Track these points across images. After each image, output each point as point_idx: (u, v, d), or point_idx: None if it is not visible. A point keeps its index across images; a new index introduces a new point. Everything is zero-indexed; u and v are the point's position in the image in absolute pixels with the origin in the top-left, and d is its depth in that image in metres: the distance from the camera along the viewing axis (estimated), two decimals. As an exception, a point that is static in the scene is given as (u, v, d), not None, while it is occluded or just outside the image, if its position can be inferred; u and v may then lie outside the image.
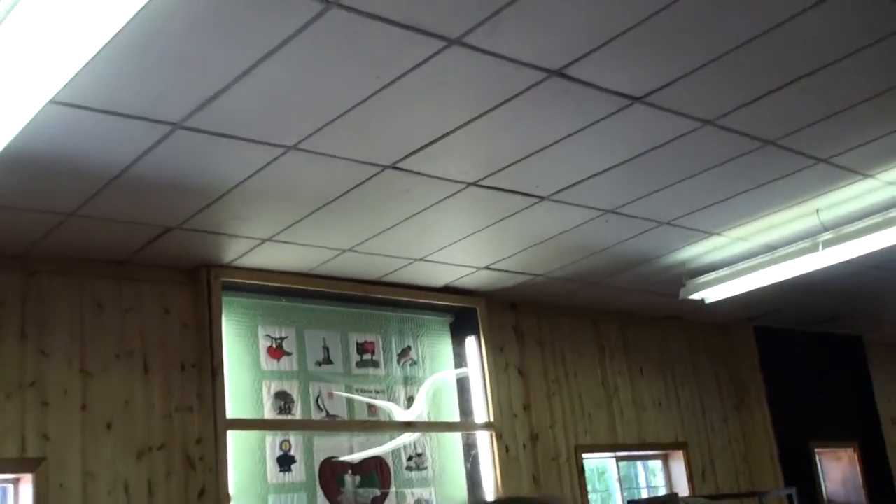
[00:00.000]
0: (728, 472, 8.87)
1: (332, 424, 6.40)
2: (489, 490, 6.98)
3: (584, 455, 7.79)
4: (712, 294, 7.12)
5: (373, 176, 4.95)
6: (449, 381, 7.18)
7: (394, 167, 4.91)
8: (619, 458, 8.29)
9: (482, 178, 5.21)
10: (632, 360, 8.46)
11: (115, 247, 5.51)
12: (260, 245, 5.75)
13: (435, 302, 7.15)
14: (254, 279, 6.17)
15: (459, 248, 6.25)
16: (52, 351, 5.38)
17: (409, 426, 6.73)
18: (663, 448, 8.50)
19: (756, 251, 6.82)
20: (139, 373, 5.66)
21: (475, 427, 7.10)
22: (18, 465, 5.13)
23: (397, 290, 6.87)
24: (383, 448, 6.63)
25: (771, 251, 6.73)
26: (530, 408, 7.54)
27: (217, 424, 5.74)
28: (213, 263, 5.96)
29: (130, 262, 5.74)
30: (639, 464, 8.66)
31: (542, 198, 5.56)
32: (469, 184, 5.23)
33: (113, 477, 5.38)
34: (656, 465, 8.66)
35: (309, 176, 4.86)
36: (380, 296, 6.83)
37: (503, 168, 5.12)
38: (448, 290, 7.14)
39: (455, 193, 5.31)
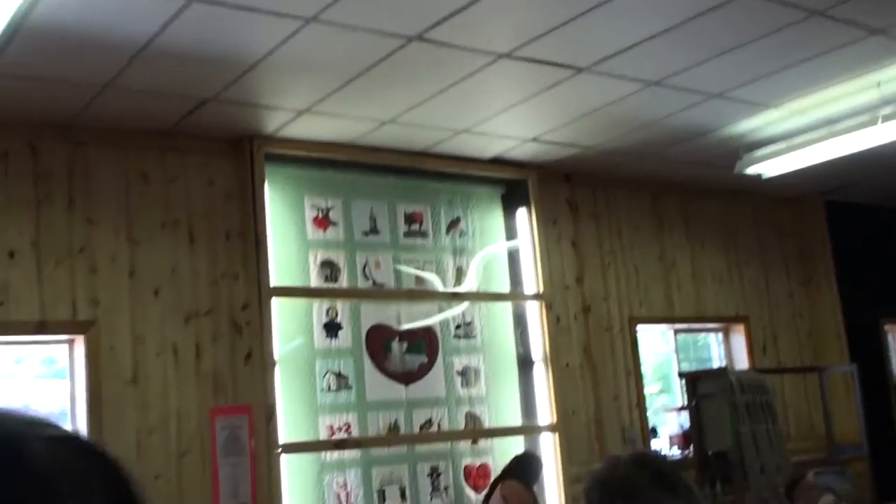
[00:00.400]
0: (791, 347, 8.77)
1: (378, 293, 6.54)
2: (538, 358, 7.08)
3: (639, 326, 7.79)
4: (769, 168, 6.90)
5: (399, 48, 4.89)
6: (500, 252, 7.21)
7: (420, 38, 4.83)
8: (677, 331, 8.26)
9: (515, 49, 5.09)
10: (692, 234, 8.32)
11: (155, 118, 5.62)
12: (298, 116, 5.78)
13: (485, 174, 7.13)
14: (298, 150, 6.24)
15: (501, 121, 6.17)
16: (99, 219, 5.59)
17: (456, 296, 6.83)
18: (723, 321, 8.42)
19: (815, 125, 6.55)
20: (184, 241, 5.85)
21: (525, 297, 7.15)
22: (71, 327, 5.42)
23: (445, 162, 6.85)
24: (432, 318, 6.75)
25: (830, 125, 6.44)
26: (583, 280, 7.53)
27: (262, 292, 5.92)
28: (256, 134, 6.04)
29: (174, 132, 5.86)
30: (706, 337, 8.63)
31: (579, 69, 5.42)
32: (500, 55, 5.12)
33: (161, 340, 5.65)
34: (716, 338, 8.61)
35: (332, 49, 4.83)
36: (428, 167, 6.83)
37: (537, 38, 4.99)
38: (498, 161, 7.09)
39: (487, 66, 5.21)
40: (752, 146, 6.89)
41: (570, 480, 6.96)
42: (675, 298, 8.08)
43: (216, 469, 5.66)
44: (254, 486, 5.73)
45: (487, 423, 6.86)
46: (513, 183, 7.30)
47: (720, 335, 8.60)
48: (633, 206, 8.00)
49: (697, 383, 7.13)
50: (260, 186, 6.05)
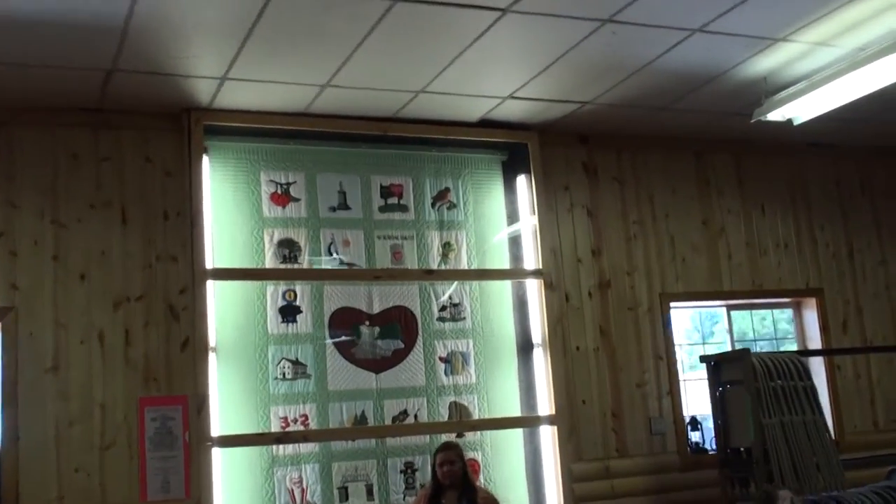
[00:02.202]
0: (880, 324, 7.51)
1: (333, 273, 6.01)
2: (538, 342, 6.35)
3: (673, 304, 6.86)
4: (798, 111, 5.81)
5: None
6: (498, 225, 6.50)
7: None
8: (731, 307, 7.24)
9: (408, -9, 4.44)
10: (749, 196, 7.26)
11: (79, 94, 5.34)
12: (223, 84, 5.36)
13: (477, 138, 6.43)
14: (243, 122, 5.81)
15: (457, 77, 5.49)
16: (22, 202, 5.40)
17: (434, 273, 6.20)
18: (789, 295, 7.31)
19: (845, 56, 5.46)
20: (117, 223, 5.56)
21: (521, 274, 6.42)
22: (-14, 313, 5.26)
23: (425, 127, 6.23)
24: (409, 300, 6.18)
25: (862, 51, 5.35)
26: (601, 252, 6.70)
27: (195, 274, 5.55)
28: (192, 106, 5.66)
29: (106, 109, 5.58)
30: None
31: (503, 10, 4.68)
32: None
33: (86, 326, 5.39)
34: (785, 315, 7.50)
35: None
36: (408, 134, 6.23)
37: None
38: (491, 124, 6.38)
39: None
40: (774, 90, 5.83)
41: (575, 478, 6.20)
42: (723, 270, 7.07)
43: (144, 462, 5.35)
44: (187, 481, 5.39)
45: (478, 414, 6.20)
46: (516, 148, 6.57)
47: (790, 311, 7.47)
48: (671, 168, 7.05)
49: (721, 368, 6.15)
50: (197, 162, 5.67)
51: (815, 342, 7.28)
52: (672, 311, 6.86)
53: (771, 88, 5.86)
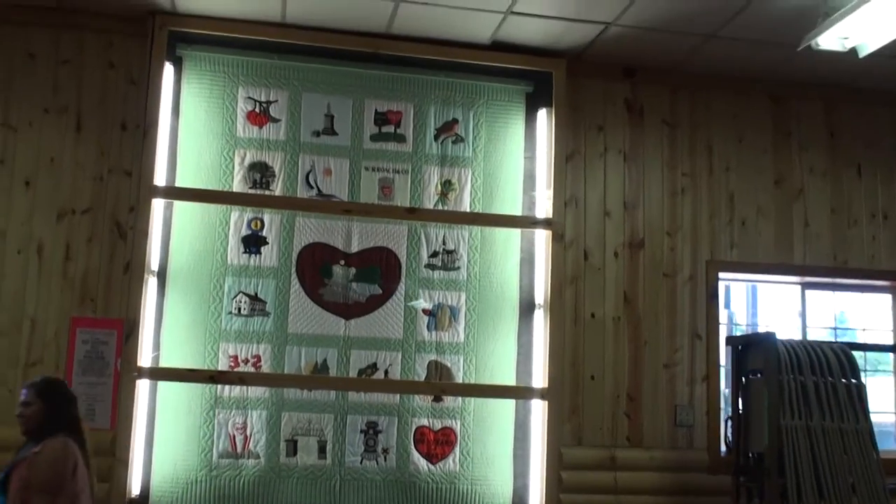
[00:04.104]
0: None
1: (290, 202, 5.37)
2: (540, 303, 5.49)
3: (722, 274, 5.76)
4: (863, 35, 4.58)
5: None
6: (514, 166, 5.66)
7: None
8: (807, 286, 6.02)
9: None
10: (841, 153, 6.00)
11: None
12: (177, -18, 4.85)
13: (497, 64, 5.60)
14: (213, 29, 5.29)
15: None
16: (-29, 103, 5.15)
17: (412, 213, 5.45)
18: (881, 277, 5.99)
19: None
20: (71, 130, 5.20)
21: (524, 223, 5.55)
22: (-77, 215, 5.04)
23: (422, 47, 5.49)
24: (395, 239, 5.48)
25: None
26: (636, 206, 5.71)
27: (141, 190, 5.11)
28: (158, 10, 5.19)
29: (69, 9, 5.21)
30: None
31: None
32: None
33: (26, 236, 5.08)
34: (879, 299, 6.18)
35: None
36: (414, 54, 5.51)
37: None
38: (503, 47, 5.54)
39: None
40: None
41: (569, 465, 5.33)
42: (796, 241, 5.88)
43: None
44: (114, 411, 4.99)
45: (463, 378, 5.43)
46: (543, 78, 5.68)
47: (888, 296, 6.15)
48: (741, 113, 5.92)
49: (748, 353, 5.06)
50: (158, 70, 5.21)
51: (916, 336, 5.96)
52: (721, 283, 5.78)
53: (832, 7, 4.66)
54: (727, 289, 7.11)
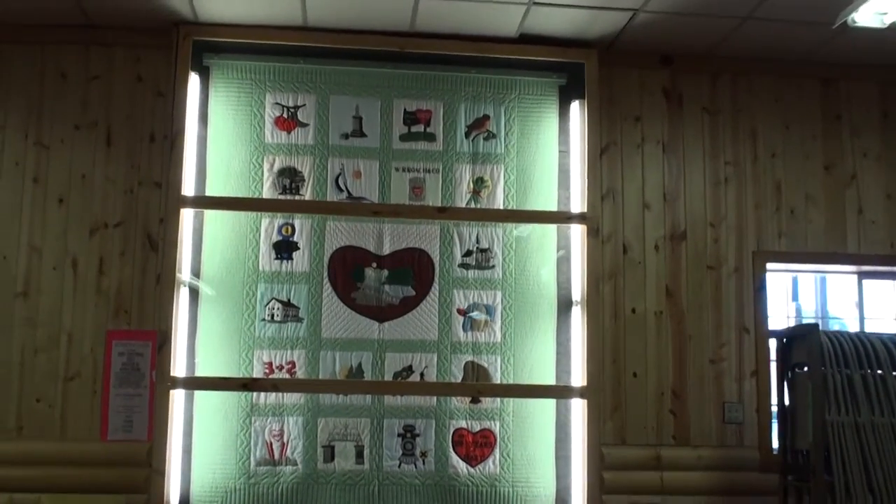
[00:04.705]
0: None
1: (318, 206, 5.32)
2: (577, 299, 5.35)
3: (770, 265, 5.53)
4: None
5: None
6: (549, 161, 5.52)
7: None
8: (863, 275, 5.75)
9: None
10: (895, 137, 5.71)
11: (52, 10, 5.06)
12: (200, -7, 4.86)
13: (526, 58, 5.48)
14: (236, 36, 5.29)
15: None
16: (7, 123, 5.23)
17: (443, 212, 5.36)
18: (944, 265, 5.69)
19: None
20: (101, 145, 5.26)
21: (558, 218, 5.41)
22: (-37, 234, 5.15)
23: (448, 43, 5.39)
24: (428, 240, 5.41)
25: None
26: (676, 198, 5.52)
27: (169, 201, 5.14)
28: (181, 21, 5.21)
29: (99, 26, 5.27)
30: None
31: None
32: None
33: (61, 252, 5.15)
34: (948, 288, 5.87)
35: None
36: (440, 51, 5.43)
37: None
38: (531, 39, 5.41)
39: None
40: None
41: (613, 465, 5.20)
42: (850, 229, 5.61)
43: (107, 398, 5.06)
44: (151, 422, 5.03)
45: (501, 379, 5.33)
46: (576, 70, 5.54)
47: (953, 285, 5.83)
48: (787, 98, 5.68)
49: (792, 346, 4.84)
50: (183, 80, 5.23)
51: (982, 325, 5.64)
52: (787, 276, 5.57)
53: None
54: (794, 281, 6.88)
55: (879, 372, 4.54)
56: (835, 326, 6.58)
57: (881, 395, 4.51)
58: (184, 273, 5.15)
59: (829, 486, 4.41)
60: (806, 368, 4.68)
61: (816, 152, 5.65)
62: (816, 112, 5.68)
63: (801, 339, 4.72)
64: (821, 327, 5.10)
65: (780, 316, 6.27)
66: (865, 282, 5.75)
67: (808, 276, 6.24)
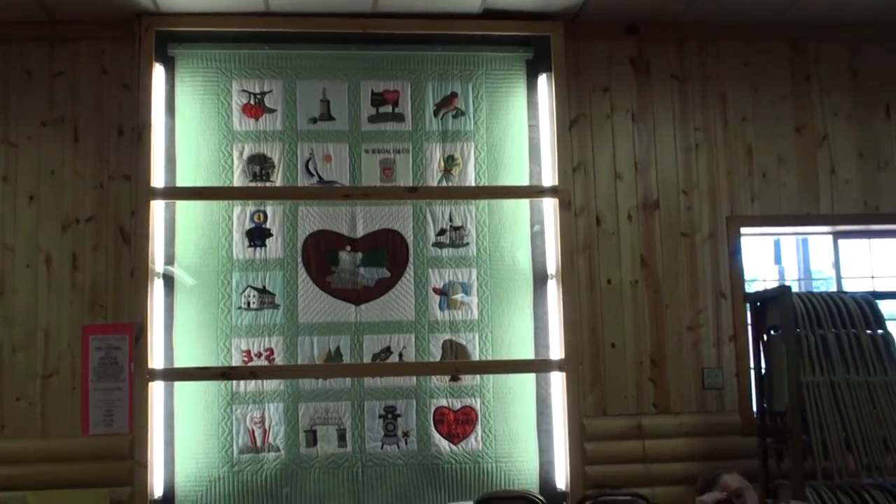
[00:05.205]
0: None
1: (289, 192, 5.32)
2: (552, 273, 5.35)
3: (745, 229, 5.53)
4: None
5: None
6: (518, 136, 5.51)
7: None
8: (838, 234, 5.75)
9: None
10: (867, 95, 5.69)
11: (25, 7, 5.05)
12: (149, -17, 4.84)
13: (492, 33, 5.46)
14: (199, 25, 5.27)
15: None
16: (-27, 124, 5.23)
17: (413, 192, 5.35)
18: (920, 222, 5.69)
19: None
20: (69, 141, 5.25)
21: (529, 193, 5.41)
22: (-64, 236, 5.15)
23: (411, 22, 5.37)
24: (400, 220, 5.40)
25: None
26: (649, 167, 5.51)
27: (138, 194, 5.14)
28: (145, 12, 5.19)
29: (61, 21, 5.25)
30: None
31: None
32: None
33: (33, 249, 5.15)
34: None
35: None
36: (404, 31, 5.41)
37: None
38: (494, 14, 5.39)
39: None
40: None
41: (595, 436, 5.21)
42: (822, 189, 5.61)
43: (86, 393, 5.07)
44: (131, 415, 5.04)
45: (480, 356, 5.34)
46: (543, 43, 5.52)
47: (930, 241, 5.83)
48: (755, 61, 5.66)
49: (767, 309, 4.84)
50: (147, 71, 5.21)
51: (960, 281, 5.64)
52: (769, 239, 5.60)
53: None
54: (776, 244, 6.86)
55: (853, 331, 4.55)
56: (819, 286, 6.58)
57: (856, 354, 4.52)
58: (158, 265, 5.15)
59: (806, 446, 4.42)
60: (780, 331, 4.68)
61: (787, 114, 5.64)
62: (786, 74, 5.67)
63: (773, 302, 4.72)
64: (803, 288, 5.11)
65: (764, 280, 6.26)
66: (841, 241, 5.74)
67: (789, 238, 6.22)
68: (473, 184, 5.43)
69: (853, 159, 5.63)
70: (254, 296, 5.28)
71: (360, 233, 5.38)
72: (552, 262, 5.36)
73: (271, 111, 5.41)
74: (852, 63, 5.71)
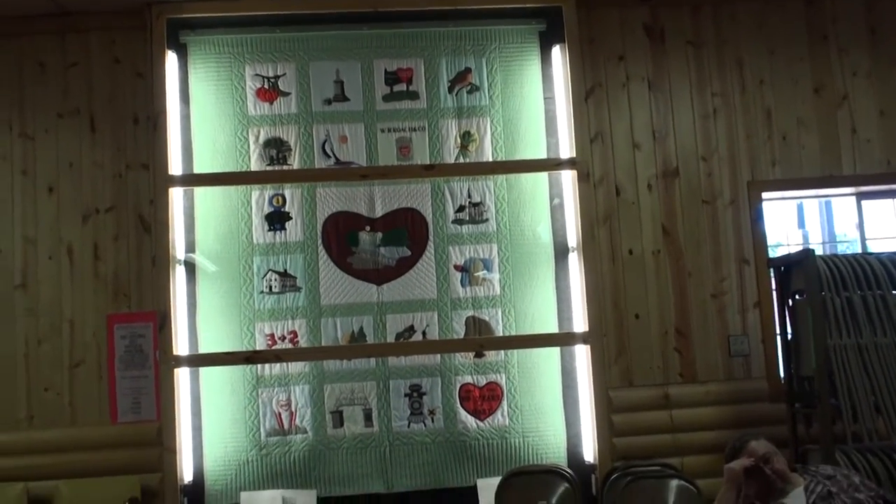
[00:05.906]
0: None
1: (304, 174, 5.30)
2: (573, 245, 5.32)
3: (766, 194, 5.48)
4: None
5: None
6: (534, 109, 5.47)
7: None
8: (862, 195, 5.68)
9: None
10: (885, 52, 5.61)
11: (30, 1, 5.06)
12: (159, -31, 4.83)
13: (506, 6, 5.42)
14: (211, 12, 5.26)
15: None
16: (-11, 118, 5.26)
17: (430, 169, 5.32)
18: (944, 179, 5.61)
19: None
20: (86, 132, 5.27)
21: (547, 166, 5.37)
22: (-44, 231, 5.19)
23: (426, -1, 5.34)
24: (419, 199, 5.38)
25: None
26: (666, 135, 5.46)
27: (156, 182, 5.15)
28: (154, 0, 5.19)
29: (72, 12, 5.25)
30: None
31: None
32: None
33: (55, 241, 5.18)
34: None
35: None
36: (408, 7, 5.38)
37: None
38: (509, -14, 5.35)
39: None
40: None
41: (622, 408, 5.20)
42: (844, 150, 5.54)
43: (113, 381, 5.10)
44: (158, 402, 5.08)
45: (503, 331, 5.33)
46: (555, 14, 5.47)
47: (956, 199, 5.75)
48: (770, 22, 5.58)
49: (791, 274, 4.79)
50: (160, 59, 5.21)
51: None
52: (790, 203, 5.56)
53: None
54: (799, 208, 6.79)
55: (879, 292, 4.49)
56: (845, 249, 6.51)
57: (882, 315, 4.47)
58: (179, 252, 5.16)
59: (835, 410, 4.38)
60: (805, 295, 4.64)
61: (805, 75, 5.56)
62: (802, 34, 5.59)
63: (797, 266, 4.67)
64: (828, 251, 5.04)
65: (788, 245, 6.19)
66: (864, 202, 5.67)
67: (812, 201, 6.15)
68: (490, 159, 5.40)
69: (874, 118, 5.56)
70: (275, 279, 5.29)
71: (379, 213, 5.37)
72: (573, 235, 5.33)
73: (285, 94, 5.40)
74: (869, 19, 5.62)
